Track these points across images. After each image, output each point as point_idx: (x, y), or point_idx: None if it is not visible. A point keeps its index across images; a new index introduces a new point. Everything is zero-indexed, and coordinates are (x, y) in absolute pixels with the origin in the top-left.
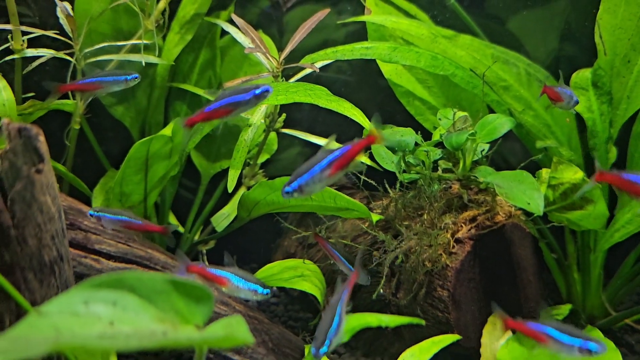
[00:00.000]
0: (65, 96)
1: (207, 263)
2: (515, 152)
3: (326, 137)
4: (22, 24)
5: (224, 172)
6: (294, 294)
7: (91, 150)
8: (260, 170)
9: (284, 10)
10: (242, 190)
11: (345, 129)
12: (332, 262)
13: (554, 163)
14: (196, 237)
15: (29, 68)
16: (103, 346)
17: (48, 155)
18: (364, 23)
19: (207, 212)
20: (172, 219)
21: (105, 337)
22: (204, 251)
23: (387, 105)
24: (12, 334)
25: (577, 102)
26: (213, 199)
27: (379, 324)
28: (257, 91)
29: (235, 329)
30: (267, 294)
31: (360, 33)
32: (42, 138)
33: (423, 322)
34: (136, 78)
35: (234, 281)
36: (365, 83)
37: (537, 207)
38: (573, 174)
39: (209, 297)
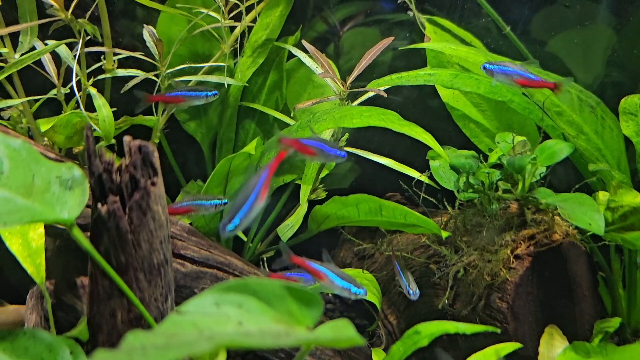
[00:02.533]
0: (145, 112)
1: (267, 270)
2: (556, 172)
3: (380, 154)
4: (100, 45)
5: (285, 186)
6: (348, 302)
7: (166, 161)
8: (321, 185)
9: (340, 34)
10: (304, 204)
11: (398, 146)
12: (389, 273)
13: (613, 187)
14: (258, 246)
15: (126, 88)
16: (240, 343)
17: (160, 170)
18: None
19: (269, 223)
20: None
21: (240, 335)
22: (265, 258)
23: (434, 125)
24: (161, 330)
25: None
26: (275, 210)
27: (456, 330)
28: (341, 153)
29: (343, 331)
30: (359, 293)
31: (405, 56)
32: (156, 154)
33: (498, 331)
34: (216, 95)
35: (331, 277)
36: (416, 105)
37: (599, 227)
38: (633, 198)
39: (318, 301)
